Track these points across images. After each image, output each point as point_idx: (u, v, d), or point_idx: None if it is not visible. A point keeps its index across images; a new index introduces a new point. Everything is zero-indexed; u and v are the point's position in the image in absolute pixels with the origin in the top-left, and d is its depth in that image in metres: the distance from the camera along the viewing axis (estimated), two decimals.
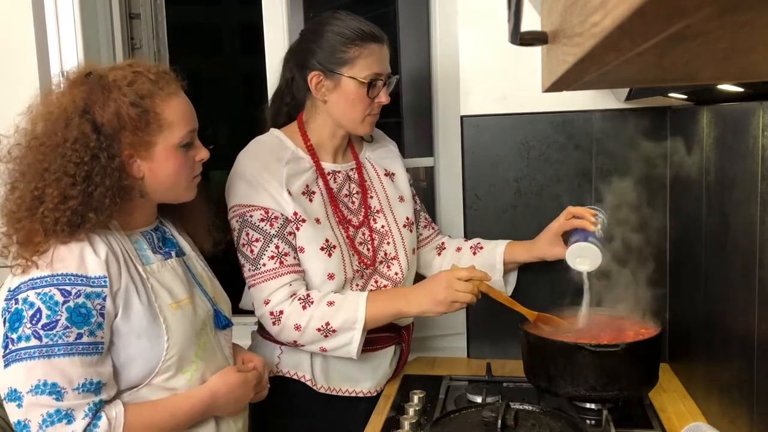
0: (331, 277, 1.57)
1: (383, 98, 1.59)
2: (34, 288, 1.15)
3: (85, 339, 1.16)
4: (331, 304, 1.52)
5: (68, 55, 2.01)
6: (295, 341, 1.55)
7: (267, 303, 1.53)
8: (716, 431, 1.33)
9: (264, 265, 1.53)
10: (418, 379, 1.76)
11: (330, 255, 1.57)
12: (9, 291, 1.19)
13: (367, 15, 1.63)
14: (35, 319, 1.14)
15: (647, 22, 0.35)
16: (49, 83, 1.96)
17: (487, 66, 1.88)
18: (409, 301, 1.54)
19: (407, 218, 1.73)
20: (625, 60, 0.48)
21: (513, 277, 1.79)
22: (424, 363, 1.94)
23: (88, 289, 1.17)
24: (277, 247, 1.53)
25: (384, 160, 1.77)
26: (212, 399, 1.31)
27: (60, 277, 1.16)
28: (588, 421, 1.49)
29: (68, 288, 1.15)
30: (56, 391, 1.13)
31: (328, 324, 1.51)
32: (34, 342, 1.13)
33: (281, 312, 1.52)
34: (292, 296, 1.53)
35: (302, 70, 1.60)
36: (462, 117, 1.91)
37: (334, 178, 1.65)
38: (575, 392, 1.48)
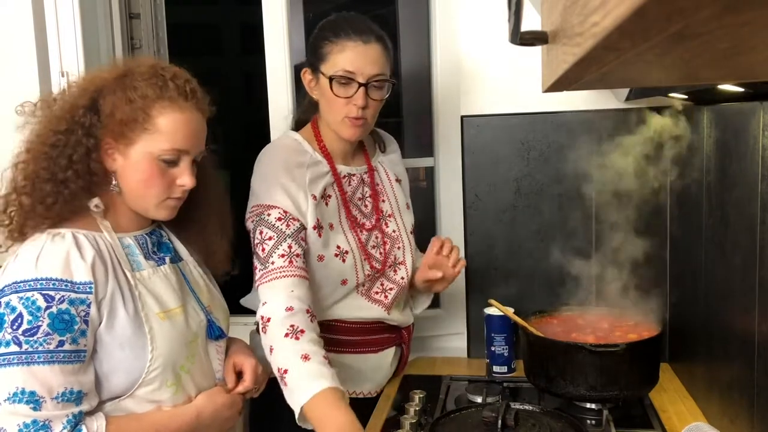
0: (344, 282, 1.56)
1: (359, 101, 1.48)
2: (17, 292, 1.11)
3: (66, 346, 1.11)
4: (306, 358, 1.34)
5: (68, 55, 2.00)
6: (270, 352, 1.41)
7: (264, 304, 1.44)
8: (717, 431, 1.33)
9: (272, 263, 1.44)
10: (419, 379, 1.76)
11: (344, 261, 1.55)
12: None
13: (367, 15, 1.63)
14: (16, 324, 1.09)
15: (647, 22, 0.35)
16: (49, 83, 1.96)
17: (487, 66, 1.88)
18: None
19: (412, 224, 1.73)
20: (625, 60, 0.48)
21: (424, 300, 1.78)
22: (425, 363, 1.94)
23: (73, 295, 1.12)
24: (289, 247, 1.46)
25: (396, 166, 1.75)
26: (198, 419, 1.26)
27: (44, 281, 1.11)
28: (588, 421, 1.49)
29: (52, 293, 1.11)
30: (34, 400, 1.08)
31: (286, 372, 1.35)
32: (13, 348, 1.09)
33: (269, 320, 1.40)
34: (288, 310, 1.39)
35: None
36: (462, 117, 1.91)
37: (349, 182, 1.62)
38: (575, 392, 1.48)
